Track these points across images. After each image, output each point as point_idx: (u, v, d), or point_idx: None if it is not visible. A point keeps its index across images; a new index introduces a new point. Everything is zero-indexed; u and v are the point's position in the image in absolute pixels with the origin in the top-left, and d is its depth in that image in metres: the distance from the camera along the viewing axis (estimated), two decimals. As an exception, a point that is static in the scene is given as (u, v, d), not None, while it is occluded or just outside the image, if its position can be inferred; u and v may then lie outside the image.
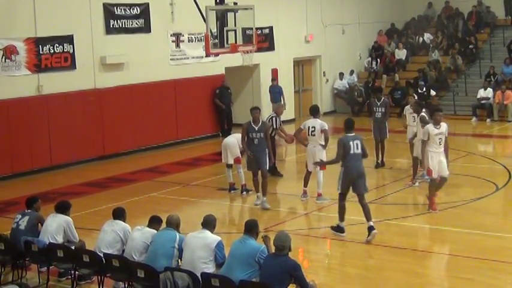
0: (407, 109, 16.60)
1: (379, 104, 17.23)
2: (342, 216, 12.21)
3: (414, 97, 18.14)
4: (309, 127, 14.25)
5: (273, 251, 8.30)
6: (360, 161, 12.07)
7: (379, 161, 17.38)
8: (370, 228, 11.79)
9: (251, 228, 8.60)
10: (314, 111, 14.51)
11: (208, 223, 8.97)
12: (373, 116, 17.36)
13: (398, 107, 25.15)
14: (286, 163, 15.05)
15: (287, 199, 14.71)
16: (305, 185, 14.52)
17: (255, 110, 14.24)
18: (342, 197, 12.19)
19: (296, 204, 14.40)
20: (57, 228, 10.06)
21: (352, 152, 11.91)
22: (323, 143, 14.16)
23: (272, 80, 24.31)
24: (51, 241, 9.83)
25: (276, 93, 24.05)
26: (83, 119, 18.93)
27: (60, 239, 10.02)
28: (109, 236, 9.58)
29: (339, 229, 12.19)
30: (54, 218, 10.22)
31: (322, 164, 13.81)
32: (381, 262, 10.86)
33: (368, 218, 11.86)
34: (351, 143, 11.94)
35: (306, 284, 7.95)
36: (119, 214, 9.87)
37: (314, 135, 14.16)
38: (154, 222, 9.63)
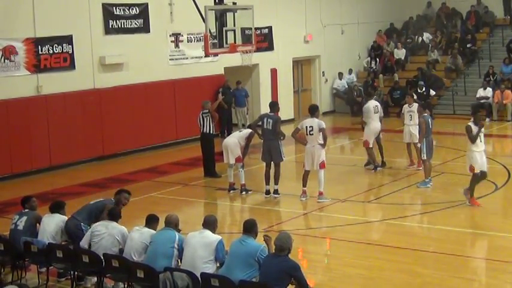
0: (406, 108, 16.79)
1: None
2: (267, 181, 14.80)
3: (413, 97, 18.11)
4: (306, 127, 14.24)
5: (273, 251, 8.30)
6: (271, 135, 14.52)
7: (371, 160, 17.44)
8: (275, 192, 14.66)
9: (250, 228, 8.58)
10: (312, 111, 14.50)
11: (209, 223, 8.94)
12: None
13: (397, 107, 25.20)
14: (286, 163, 15.01)
15: (287, 199, 14.69)
16: (304, 185, 14.52)
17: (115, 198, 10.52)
18: (267, 166, 14.83)
19: (296, 203, 14.39)
20: (55, 229, 10.05)
21: (264, 127, 14.58)
22: (322, 142, 14.16)
23: (237, 83, 23.54)
24: (50, 241, 9.81)
25: (241, 96, 23.55)
26: (82, 119, 18.92)
27: (59, 239, 10.01)
28: (107, 242, 9.45)
29: (266, 192, 14.80)
30: (51, 218, 10.20)
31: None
32: (381, 262, 10.85)
33: (276, 182, 14.68)
34: (265, 119, 14.61)
35: (306, 285, 7.94)
36: (115, 214, 9.71)
37: (312, 134, 14.15)
38: (151, 221, 9.57)
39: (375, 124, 16.83)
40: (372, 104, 16.93)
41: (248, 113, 23.69)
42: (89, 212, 10.18)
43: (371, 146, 16.82)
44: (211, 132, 16.78)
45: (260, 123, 14.84)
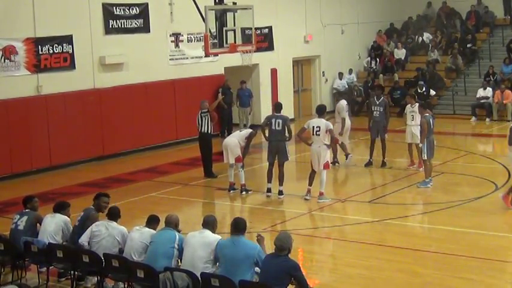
0: (408, 108, 16.81)
1: (377, 102, 17.22)
2: (269, 179, 14.72)
3: (415, 97, 18.11)
4: (313, 127, 14.24)
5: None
6: (280, 136, 14.42)
7: (371, 160, 17.46)
8: (279, 193, 14.55)
9: (241, 227, 8.42)
10: (320, 111, 14.54)
11: (209, 223, 8.93)
12: (371, 115, 17.37)
13: (397, 107, 25.21)
14: (286, 163, 15.01)
15: (287, 199, 14.69)
16: (310, 184, 14.51)
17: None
18: (270, 165, 14.71)
19: (296, 203, 14.39)
20: (55, 229, 10.03)
21: (273, 128, 14.43)
22: (328, 143, 14.18)
23: (241, 82, 23.48)
24: (51, 241, 9.81)
25: (245, 96, 23.45)
26: (82, 119, 18.92)
27: (59, 239, 10.00)
28: (107, 242, 9.43)
29: (268, 190, 14.73)
30: (52, 218, 10.19)
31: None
32: (380, 262, 10.85)
33: (280, 183, 14.54)
34: (273, 120, 14.48)
35: (306, 284, 7.92)
36: (114, 214, 9.70)
37: (319, 135, 14.15)
38: (152, 221, 9.58)
39: (348, 121, 17.62)
40: (344, 102, 17.69)
41: (251, 113, 23.65)
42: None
43: (340, 142, 17.39)
44: (209, 132, 16.77)
45: (268, 123, 14.73)
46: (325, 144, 14.17)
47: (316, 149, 14.26)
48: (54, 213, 10.29)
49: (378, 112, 17.12)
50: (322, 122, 14.24)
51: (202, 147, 16.93)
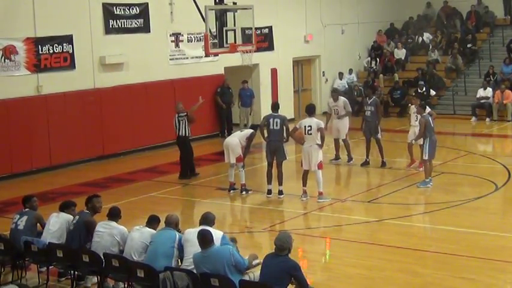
0: (412, 108, 16.82)
1: (369, 102, 17.30)
2: (269, 180, 14.70)
3: (419, 98, 18.11)
4: (305, 126, 14.26)
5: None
6: (278, 136, 14.47)
7: (367, 159, 17.47)
8: (279, 192, 14.60)
9: (208, 240, 8.30)
10: (310, 110, 14.58)
11: (208, 221, 8.94)
12: (363, 115, 17.48)
13: (398, 107, 25.22)
14: (286, 163, 15.02)
15: (287, 199, 14.69)
16: (304, 185, 14.51)
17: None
18: (269, 165, 14.74)
19: (296, 203, 14.39)
20: (59, 228, 10.02)
21: (271, 127, 14.49)
22: (319, 142, 14.17)
23: (243, 82, 23.39)
24: (54, 241, 9.79)
25: (246, 96, 23.34)
26: (83, 119, 18.91)
27: (63, 240, 9.97)
28: (106, 242, 9.44)
29: (268, 192, 14.75)
30: (57, 218, 10.18)
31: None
32: (380, 262, 10.85)
33: (279, 183, 14.58)
34: (271, 120, 14.54)
35: (306, 284, 7.93)
36: (114, 214, 9.72)
37: (311, 134, 14.17)
38: (152, 221, 9.58)
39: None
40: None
41: (252, 113, 23.60)
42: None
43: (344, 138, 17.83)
44: (187, 135, 16.74)
45: (266, 123, 14.75)
46: (317, 144, 14.17)
47: (308, 149, 14.27)
48: (59, 213, 10.28)
49: (369, 112, 17.18)
50: (313, 121, 14.26)
51: (181, 151, 16.86)
